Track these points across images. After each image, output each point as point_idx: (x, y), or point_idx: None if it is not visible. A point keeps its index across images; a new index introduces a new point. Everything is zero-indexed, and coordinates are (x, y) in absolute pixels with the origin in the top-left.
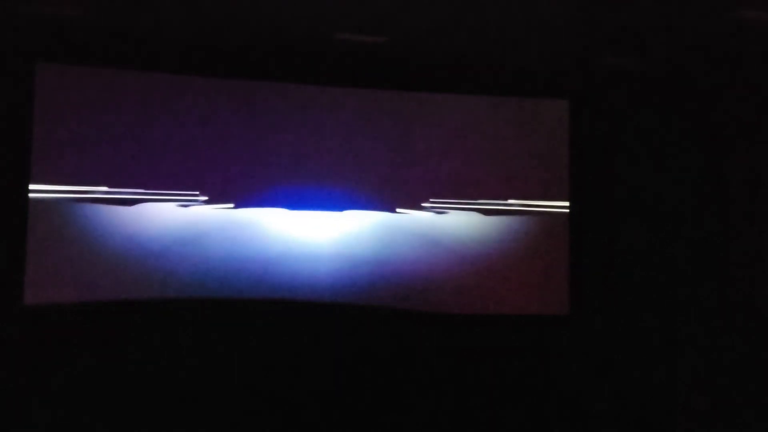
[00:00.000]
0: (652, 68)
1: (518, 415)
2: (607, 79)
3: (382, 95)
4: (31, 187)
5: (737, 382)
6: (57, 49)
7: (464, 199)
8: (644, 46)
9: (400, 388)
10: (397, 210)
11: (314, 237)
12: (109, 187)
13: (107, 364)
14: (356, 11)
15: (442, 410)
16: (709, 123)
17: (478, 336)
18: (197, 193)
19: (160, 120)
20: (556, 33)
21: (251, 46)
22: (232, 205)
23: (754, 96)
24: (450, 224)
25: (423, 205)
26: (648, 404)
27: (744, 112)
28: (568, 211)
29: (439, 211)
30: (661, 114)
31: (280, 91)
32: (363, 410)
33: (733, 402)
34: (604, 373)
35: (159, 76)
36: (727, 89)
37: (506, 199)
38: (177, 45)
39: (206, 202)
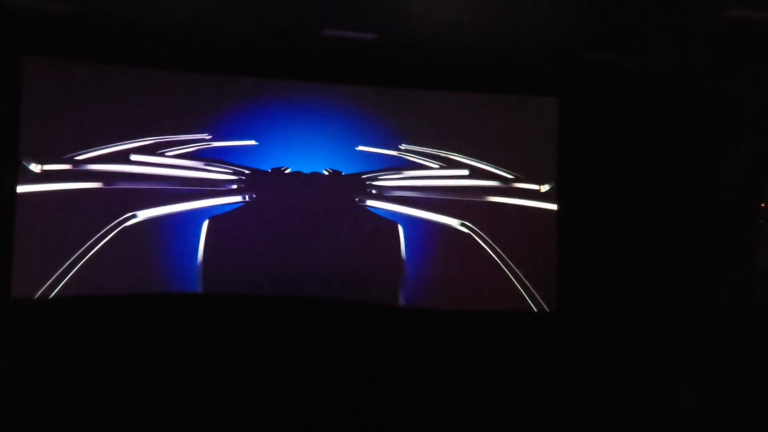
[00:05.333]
0: (640, 66)
1: (506, 408)
2: (596, 76)
3: (371, 92)
4: (19, 182)
5: (725, 378)
6: (44, 43)
7: (451, 197)
8: (633, 44)
9: (392, 383)
10: (386, 208)
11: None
12: (97, 180)
13: (94, 359)
14: (346, 8)
15: (432, 404)
16: (698, 120)
17: (465, 332)
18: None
19: (147, 114)
20: (546, 31)
21: (241, 42)
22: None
23: (742, 95)
24: (437, 224)
25: (411, 203)
26: (634, 399)
27: (731, 111)
28: (556, 208)
29: (427, 208)
30: (650, 111)
31: (269, 87)
32: (359, 406)
33: (721, 399)
34: (589, 367)
35: (146, 71)
36: (715, 87)
37: (494, 196)
38: (165, 40)
39: (195, 194)
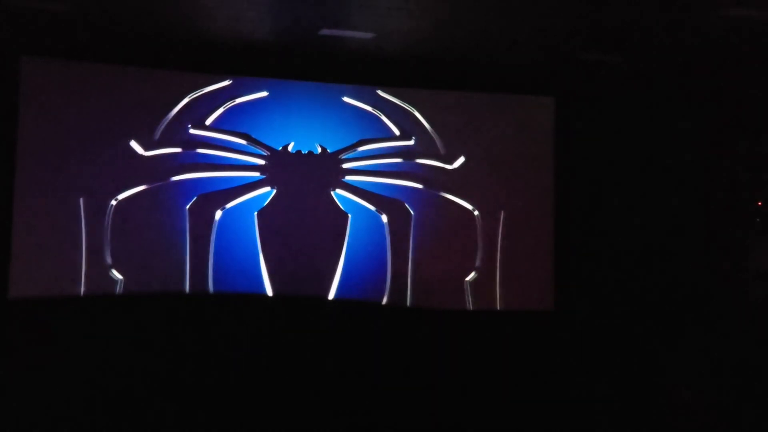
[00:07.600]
0: (637, 66)
1: (505, 408)
2: (593, 76)
3: (366, 91)
4: (17, 180)
5: (724, 376)
6: (43, 43)
7: (449, 196)
8: (630, 43)
9: (391, 383)
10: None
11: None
12: (94, 180)
13: (94, 359)
14: (343, 8)
15: (431, 404)
16: (695, 120)
17: (464, 331)
18: (181, 179)
19: (145, 114)
20: (543, 31)
21: (239, 42)
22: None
23: (741, 95)
24: (437, 223)
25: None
26: (631, 396)
27: (730, 111)
28: (552, 207)
29: (425, 208)
30: (647, 111)
31: (265, 86)
32: (359, 406)
33: (717, 395)
34: (585, 364)
35: (146, 71)
36: (713, 87)
37: (492, 195)
38: (164, 40)
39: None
